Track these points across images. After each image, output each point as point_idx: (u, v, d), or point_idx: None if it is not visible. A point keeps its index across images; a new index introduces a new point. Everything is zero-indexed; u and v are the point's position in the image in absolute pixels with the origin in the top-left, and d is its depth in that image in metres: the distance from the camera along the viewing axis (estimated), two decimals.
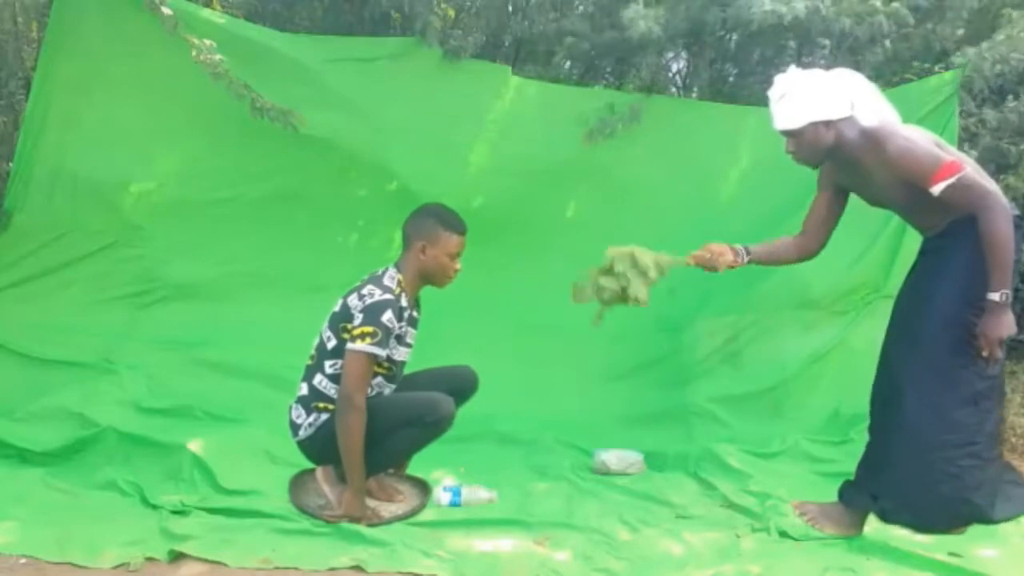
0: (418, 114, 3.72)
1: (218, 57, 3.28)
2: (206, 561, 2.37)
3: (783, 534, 2.66)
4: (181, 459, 2.89)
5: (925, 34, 4.28)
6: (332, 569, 2.37)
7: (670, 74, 4.88)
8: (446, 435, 3.47)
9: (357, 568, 2.37)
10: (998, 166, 3.92)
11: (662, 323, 3.95)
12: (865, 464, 2.71)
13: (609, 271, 2.66)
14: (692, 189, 3.98)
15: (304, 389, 2.68)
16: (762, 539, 2.65)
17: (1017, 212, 2.55)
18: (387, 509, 2.74)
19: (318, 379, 2.64)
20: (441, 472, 3.10)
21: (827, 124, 2.50)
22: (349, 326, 2.55)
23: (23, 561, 2.32)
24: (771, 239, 2.88)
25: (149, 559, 2.36)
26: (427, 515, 2.73)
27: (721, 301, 3.90)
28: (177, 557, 2.38)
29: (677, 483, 3.10)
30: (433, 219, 2.67)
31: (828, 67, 2.66)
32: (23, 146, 3.43)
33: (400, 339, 2.66)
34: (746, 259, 2.76)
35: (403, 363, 2.75)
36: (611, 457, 3.25)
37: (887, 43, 4.19)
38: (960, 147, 3.66)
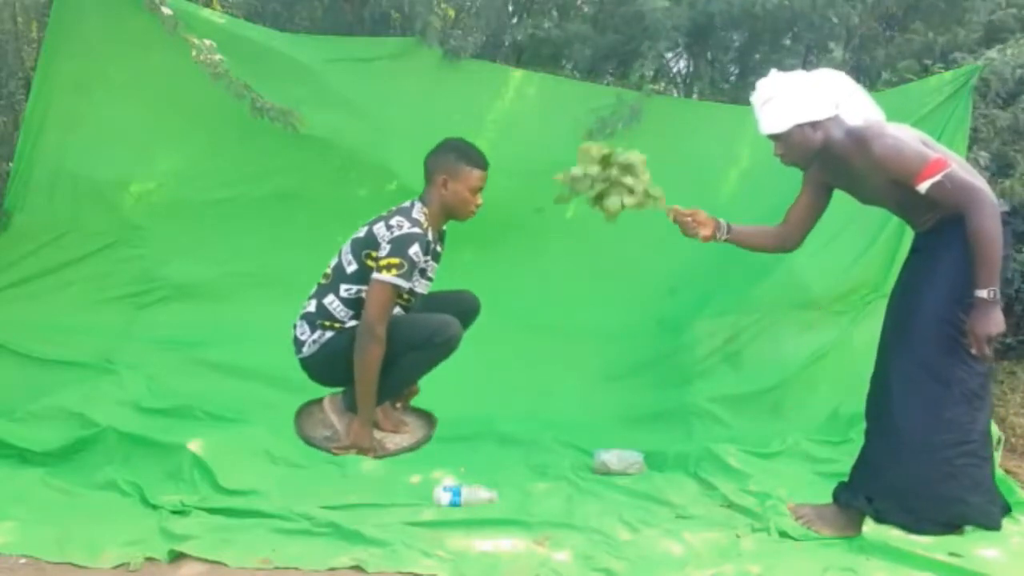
0: (418, 114, 3.72)
1: (218, 57, 3.28)
2: (206, 561, 2.37)
3: (783, 534, 2.66)
4: (181, 459, 2.88)
5: (935, 39, 4.28)
6: (332, 569, 2.36)
7: (671, 74, 4.89)
8: (446, 435, 3.50)
9: (357, 568, 2.37)
10: (1000, 167, 3.92)
11: (662, 323, 3.95)
12: (860, 465, 2.71)
13: (602, 163, 2.52)
14: (692, 189, 3.95)
15: (312, 306, 2.66)
16: (762, 539, 2.65)
17: (1006, 209, 2.55)
18: (392, 441, 2.71)
19: (329, 299, 2.61)
20: (441, 472, 3.09)
21: (813, 125, 2.50)
22: (374, 254, 2.53)
23: (23, 561, 2.33)
24: (754, 225, 2.87)
25: (149, 559, 2.36)
26: (427, 515, 2.73)
27: (721, 301, 3.90)
28: (177, 557, 2.38)
29: (677, 483, 3.09)
30: (454, 154, 2.67)
31: (830, 67, 2.66)
32: (23, 146, 3.43)
33: (423, 272, 2.64)
34: (725, 236, 2.77)
35: (422, 295, 2.73)
36: (611, 457, 3.25)
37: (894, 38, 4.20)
38: (969, 148, 3.66)
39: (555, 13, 4.68)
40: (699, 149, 3.98)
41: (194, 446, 2.91)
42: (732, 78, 4.81)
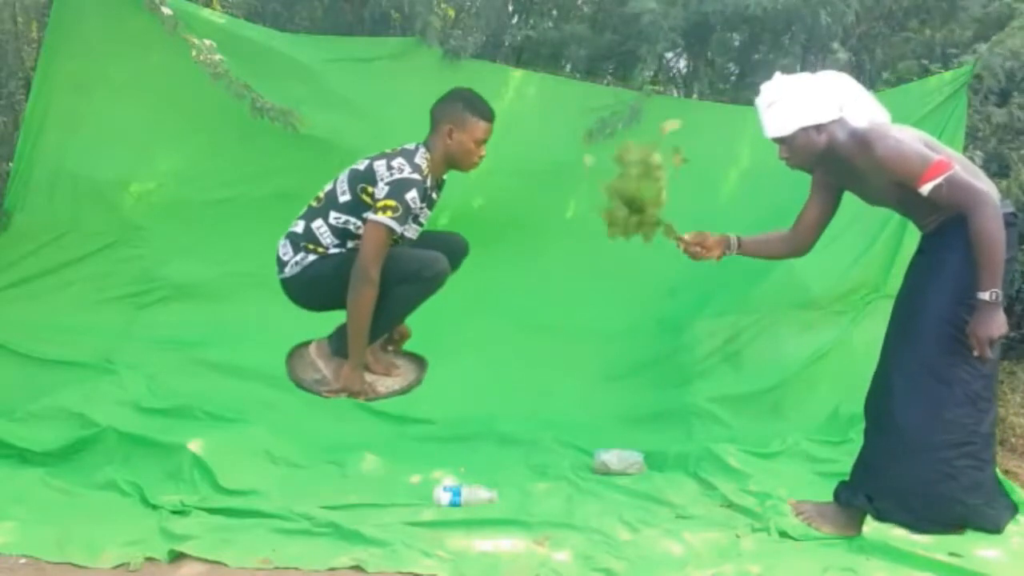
0: (418, 114, 3.69)
1: (218, 57, 3.28)
2: (206, 561, 2.37)
3: (783, 534, 2.66)
4: (181, 459, 2.88)
5: (933, 36, 4.28)
6: (332, 569, 2.37)
7: (670, 74, 4.89)
8: (446, 435, 3.50)
9: (357, 568, 2.37)
10: (1000, 168, 3.91)
11: (662, 323, 3.95)
12: (860, 464, 2.71)
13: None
14: (692, 189, 3.97)
15: (299, 227, 2.63)
16: (762, 539, 2.65)
17: (1011, 210, 2.55)
18: (384, 384, 2.68)
19: (318, 223, 2.59)
20: (441, 472, 3.10)
21: (818, 128, 2.50)
22: (370, 189, 2.51)
23: (23, 561, 2.33)
24: (764, 233, 2.87)
25: (149, 559, 2.36)
26: (427, 515, 2.73)
27: (721, 301, 3.90)
28: (177, 557, 2.38)
29: (677, 483, 3.10)
30: (461, 103, 2.64)
31: (831, 67, 2.66)
32: (23, 146, 3.43)
33: (415, 218, 2.64)
34: (735, 251, 2.77)
35: (411, 240, 2.73)
36: (611, 457, 3.25)
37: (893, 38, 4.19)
38: (965, 147, 3.66)
39: (555, 13, 4.68)
40: (699, 149, 3.95)
41: (194, 446, 2.92)
42: (732, 78, 4.81)
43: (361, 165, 2.59)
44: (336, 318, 2.66)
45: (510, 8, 4.58)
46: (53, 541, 2.40)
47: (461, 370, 3.65)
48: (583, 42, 4.34)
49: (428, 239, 2.75)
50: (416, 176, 2.50)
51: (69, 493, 2.75)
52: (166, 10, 3.26)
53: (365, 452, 3.20)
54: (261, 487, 2.83)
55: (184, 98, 3.48)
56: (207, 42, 3.28)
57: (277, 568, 2.37)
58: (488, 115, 2.64)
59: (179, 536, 2.46)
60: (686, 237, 2.73)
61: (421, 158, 2.56)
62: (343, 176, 2.62)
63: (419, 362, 2.86)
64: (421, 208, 2.61)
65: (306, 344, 2.78)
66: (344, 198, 2.57)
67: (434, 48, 3.72)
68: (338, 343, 2.62)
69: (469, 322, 3.75)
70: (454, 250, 2.75)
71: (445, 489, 2.87)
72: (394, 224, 2.47)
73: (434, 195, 2.72)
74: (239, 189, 3.66)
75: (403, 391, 2.65)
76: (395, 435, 3.47)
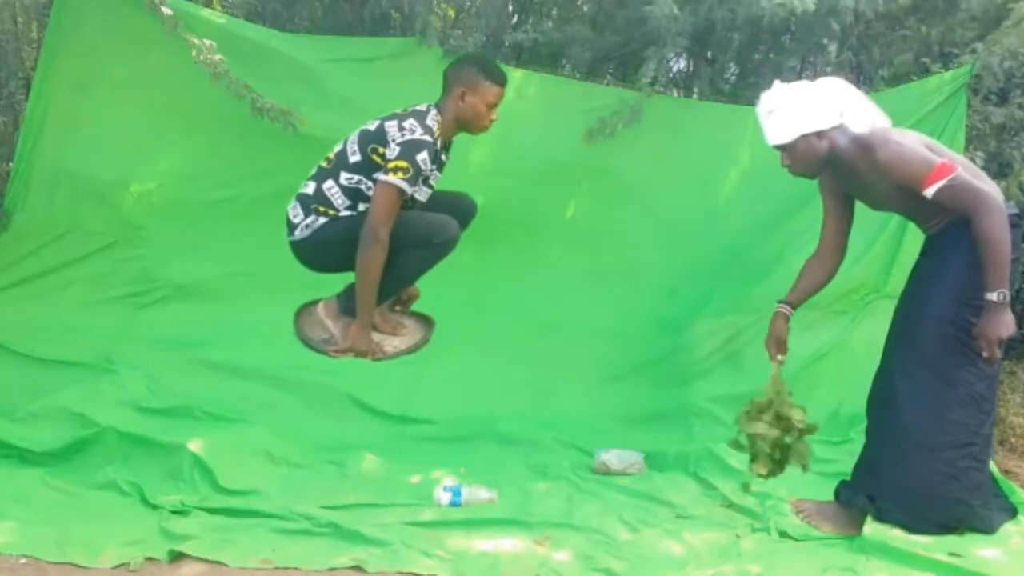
0: None
1: (218, 57, 3.28)
2: (206, 561, 2.37)
3: (783, 534, 2.66)
4: (181, 459, 2.88)
5: (929, 34, 4.27)
6: (332, 569, 2.37)
7: (670, 74, 4.88)
8: (446, 435, 3.50)
9: (357, 568, 2.37)
10: (1000, 167, 3.91)
11: (662, 323, 3.95)
12: (861, 464, 2.71)
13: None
14: (692, 189, 3.98)
15: (309, 188, 2.62)
16: (762, 539, 2.66)
17: (1015, 211, 2.55)
18: (391, 343, 2.69)
19: (329, 184, 2.59)
20: (441, 472, 3.10)
21: (818, 135, 2.50)
22: (381, 150, 2.51)
23: (23, 561, 2.33)
24: (798, 276, 2.87)
25: (149, 559, 2.36)
26: (427, 515, 2.73)
27: (721, 301, 3.90)
28: (177, 557, 2.38)
29: (677, 483, 3.10)
30: (475, 67, 2.65)
31: (831, 68, 2.65)
32: (23, 146, 3.43)
33: (425, 180, 2.64)
34: (791, 313, 2.83)
35: (422, 203, 2.73)
36: (611, 457, 3.25)
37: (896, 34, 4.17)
38: (966, 147, 3.66)
39: (555, 13, 4.68)
40: (699, 149, 3.98)
41: (194, 446, 2.92)
42: (732, 78, 4.81)
43: (372, 126, 2.58)
44: (343, 279, 2.65)
45: (510, 8, 4.58)
46: (53, 541, 2.40)
47: (461, 370, 3.66)
48: (584, 43, 4.33)
49: (436, 200, 2.75)
50: (427, 138, 2.51)
51: (69, 493, 2.76)
52: (166, 10, 3.26)
53: (365, 452, 3.20)
54: (261, 487, 2.83)
55: (184, 98, 3.48)
56: (207, 42, 3.28)
57: (277, 568, 2.37)
58: (501, 80, 2.66)
59: (179, 536, 2.46)
60: (780, 359, 2.87)
61: (432, 120, 2.57)
62: (353, 136, 2.61)
63: (426, 322, 2.86)
64: (431, 170, 2.61)
65: (314, 303, 2.78)
66: (354, 158, 2.56)
67: (434, 48, 3.72)
68: (346, 302, 2.63)
69: (469, 322, 3.74)
70: (464, 211, 2.76)
71: (445, 489, 2.87)
72: (404, 185, 2.47)
73: (443, 157, 2.73)
74: (239, 189, 3.67)
75: (410, 351, 2.66)
76: (395, 435, 3.47)
